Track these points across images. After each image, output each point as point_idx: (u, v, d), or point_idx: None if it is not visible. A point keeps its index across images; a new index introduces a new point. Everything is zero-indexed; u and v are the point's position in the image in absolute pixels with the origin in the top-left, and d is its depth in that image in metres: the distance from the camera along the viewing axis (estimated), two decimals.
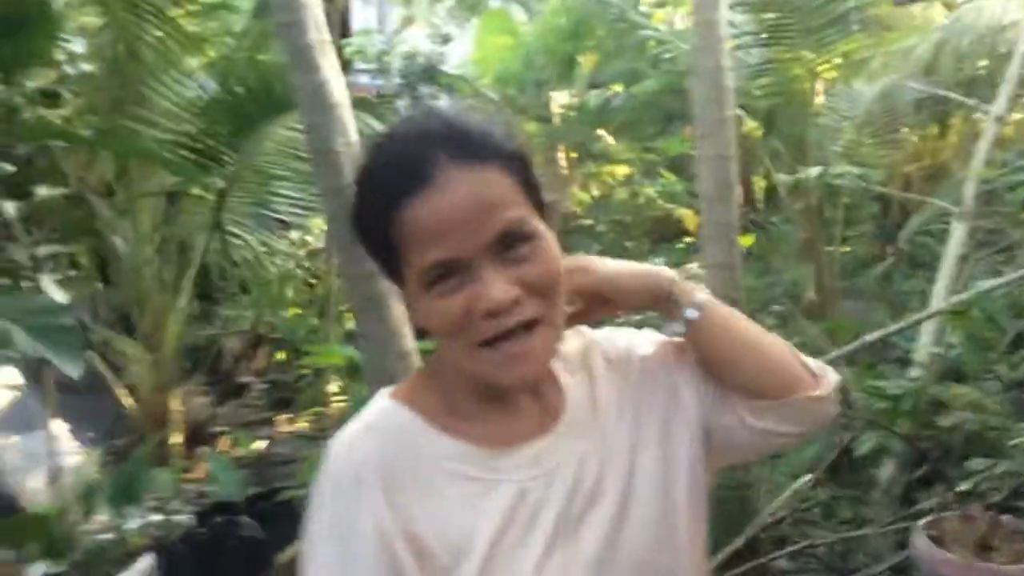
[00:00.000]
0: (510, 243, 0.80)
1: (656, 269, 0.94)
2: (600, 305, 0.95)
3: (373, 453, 0.82)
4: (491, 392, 0.87)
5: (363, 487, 0.80)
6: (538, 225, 0.83)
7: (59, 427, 3.67)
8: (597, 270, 0.93)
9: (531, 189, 0.84)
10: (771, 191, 7.30)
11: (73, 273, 4.74)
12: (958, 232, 3.42)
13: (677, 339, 0.96)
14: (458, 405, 0.88)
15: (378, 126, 3.75)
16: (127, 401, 4.49)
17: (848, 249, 5.78)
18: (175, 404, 4.55)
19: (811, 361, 0.98)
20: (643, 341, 0.99)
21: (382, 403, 0.88)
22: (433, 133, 0.82)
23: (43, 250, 2.58)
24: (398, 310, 2.46)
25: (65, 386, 3.67)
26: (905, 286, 4.96)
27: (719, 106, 2.87)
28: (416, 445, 0.84)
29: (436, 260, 0.79)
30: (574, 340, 0.98)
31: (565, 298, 0.87)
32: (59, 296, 1.85)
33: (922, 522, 2.36)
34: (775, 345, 0.96)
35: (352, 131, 2.34)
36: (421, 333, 0.95)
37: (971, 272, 3.51)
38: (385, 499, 0.80)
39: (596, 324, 1.05)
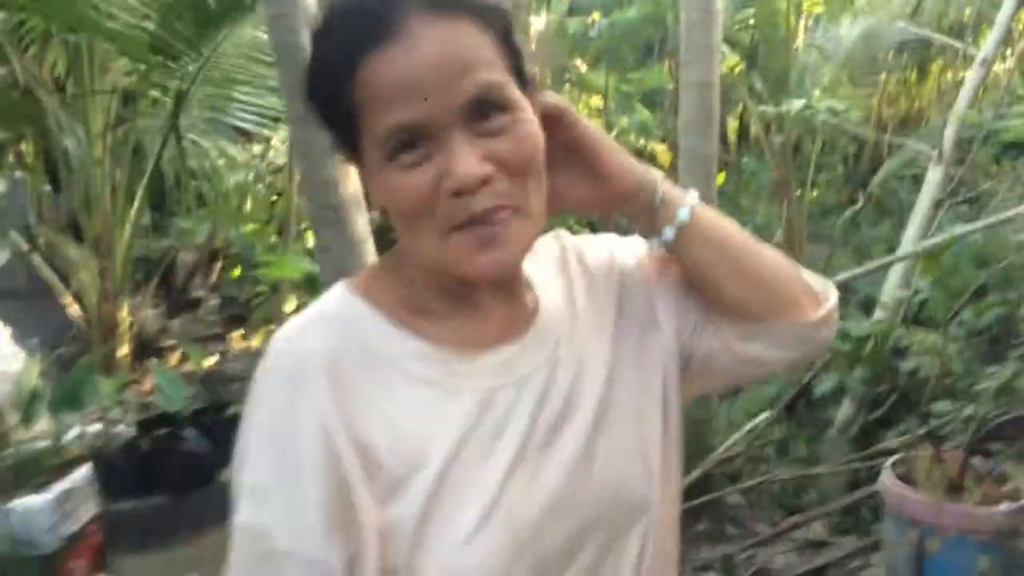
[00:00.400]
0: (485, 111, 0.69)
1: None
2: (583, 180, 0.82)
3: (321, 345, 0.72)
4: (458, 289, 0.77)
5: (307, 381, 0.70)
6: (518, 95, 0.72)
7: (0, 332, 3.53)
8: (587, 125, 0.81)
9: (512, 54, 0.73)
10: (743, 131, 7.24)
11: (19, 171, 4.53)
12: (934, 177, 3.37)
13: (660, 253, 0.87)
14: (421, 302, 0.78)
15: None
16: (73, 309, 4.34)
17: (817, 193, 5.75)
18: (124, 315, 4.41)
19: (812, 277, 0.89)
20: (625, 251, 0.90)
21: (336, 294, 0.78)
22: None
23: None
24: (360, 222, 2.35)
25: (9, 291, 3.52)
26: (872, 232, 4.96)
27: (706, 30, 2.76)
28: (371, 341, 0.74)
29: (399, 123, 0.68)
30: (552, 244, 0.89)
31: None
32: None
33: (891, 461, 2.34)
34: (772, 258, 0.87)
35: None
36: (383, 245, 0.84)
37: (941, 220, 3.48)
38: (331, 396, 0.70)
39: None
